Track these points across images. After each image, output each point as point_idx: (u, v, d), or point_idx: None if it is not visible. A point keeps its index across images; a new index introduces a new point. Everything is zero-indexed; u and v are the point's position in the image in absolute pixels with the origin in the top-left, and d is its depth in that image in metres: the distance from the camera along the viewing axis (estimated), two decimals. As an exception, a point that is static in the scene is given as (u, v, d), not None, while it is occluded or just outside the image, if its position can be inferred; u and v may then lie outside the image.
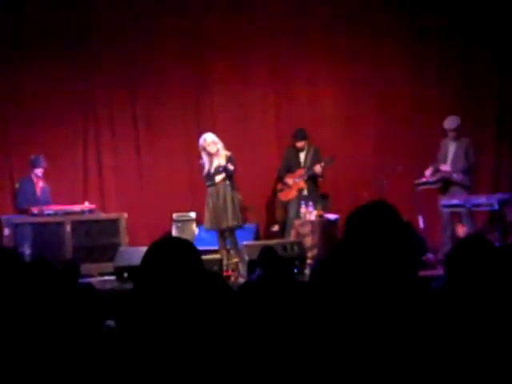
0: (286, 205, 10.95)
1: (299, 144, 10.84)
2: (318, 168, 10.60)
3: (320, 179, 10.82)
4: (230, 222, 9.47)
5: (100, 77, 11.54)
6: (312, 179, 10.77)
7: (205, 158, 9.53)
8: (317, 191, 10.86)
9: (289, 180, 10.85)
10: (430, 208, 10.03)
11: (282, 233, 10.97)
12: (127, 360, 2.54)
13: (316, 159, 10.72)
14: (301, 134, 10.85)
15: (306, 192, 10.76)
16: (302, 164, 10.82)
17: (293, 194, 10.81)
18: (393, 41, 11.76)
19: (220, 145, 9.51)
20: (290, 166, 10.91)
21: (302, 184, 10.77)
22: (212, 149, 9.44)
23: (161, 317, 2.55)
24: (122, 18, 11.55)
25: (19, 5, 11.21)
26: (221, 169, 9.44)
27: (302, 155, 10.87)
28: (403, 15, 11.80)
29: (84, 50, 11.44)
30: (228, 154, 9.54)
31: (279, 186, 11.09)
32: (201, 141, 9.56)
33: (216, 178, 9.49)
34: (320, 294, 2.67)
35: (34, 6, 11.24)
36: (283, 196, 10.99)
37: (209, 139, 9.49)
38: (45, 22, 11.22)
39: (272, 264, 6.09)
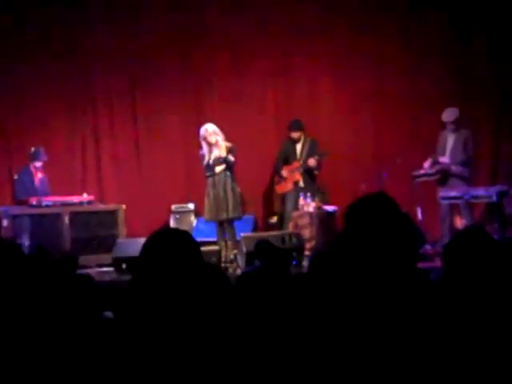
0: (283, 197, 10.96)
1: (294, 135, 10.81)
2: (311, 161, 10.57)
3: (315, 172, 10.78)
4: (231, 213, 9.47)
5: (99, 68, 11.52)
6: (307, 171, 10.75)
7: (205, 148, 9.53)
8: (313, 183, 10.82)
9: (284, 173, 10.84)
10: (429, 200, 10.03)
11: (280, 225, 10.97)
12: (125, 351, 2.54)
13: (312, 151, 10.69)
14: (296, 125, 10.83)
15: (302, 184, 10.74)
16: (298, 156, 10.80)
17: (288, 186, 10.79)
18: (392, 34, 11.74)
19: (220, 136, 9.51)
20: (287, 158, 10.89)
21: (297, 176, 10.74)
22: (212, 139, 9.43)
23: (159, 308, 2.55)
24: (120, 9, 11.52)
25: (19, 4, 11.18)
26: (221, 160, 9.44)
27: (299, 147, 10.85)
28: (402, 9, 11.77)
29: (83, 42, 11.41)
30: (229, 145, 9.55)
31: (276, 179, 11.09)
32: (202, 130, 9.56)
33: (216, 168, 9.49)
34: (318, 286, 2.67)
35: (33, 4, 11.22)
36: (279, 188, 10.99)
37: (210, 129, 9.49)
38: (45, 19, 11.21)
39: (269, 256, 6.10)
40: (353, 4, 11.72)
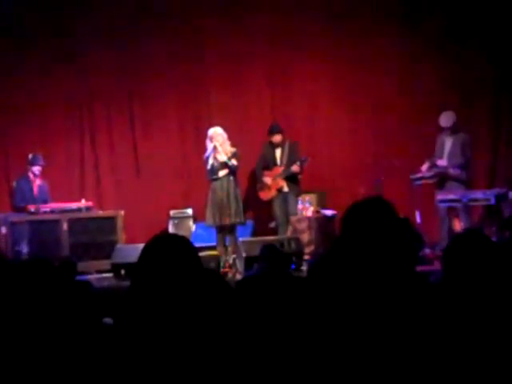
0: (270, 203, 10.85)
1: (275, 138, 10.67)
2: (295, 167, 10.41)
3: (299, 177, 10.65)
4: (233, 218, 9.49)
5: (97, 74, 11.51)
6: (290, 176, 10.61)
7: (209, 150, 9.55)
8: (297, 186, 10.69)
9: (267, 180, 10.71)
10: (427, 203, 10.03)
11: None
12: (125, 357, 2.54)
13: (293, 154, 10.59)
14: (277, 128, 10.72)
15: (286, 189, 10.64)
16: (279, 161, 10.69)
17: (272, 193, 10.67)
18: (389, 38, 11.74)
19: (227, 142, 9.58)
20: (267, 163, 10.79)
21: (280, 183, 10.63)
22: (218, 141, 9.49)
23: (158, 314, 2.55)
24: (120, 17, 11.53)
25: (19, 4, 11.19)
26: (224, 164, 9.47)
27: (278, 151, 10.73)
28: (400, 13, 11.78)
29: (81, 48, 11.41)
30: (233, 149, 9.60)
31: (258, 185, 10.95)
32: (210, 131, 9.62)
33: (219, 173, 9.52)
34: (318, 290, 2.67)
35: (33, 5, 11.23)
36: (263, 195, 10.82)
37: (218, 131, 9.60)
38: (44, 21, 11.22)
39: (273, 260, 6.09)
40: (351, 9, 11.72)
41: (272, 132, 10.70)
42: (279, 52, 11.80)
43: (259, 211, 11.57)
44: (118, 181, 11.60)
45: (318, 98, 11.94)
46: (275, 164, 10.66)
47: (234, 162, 9.51)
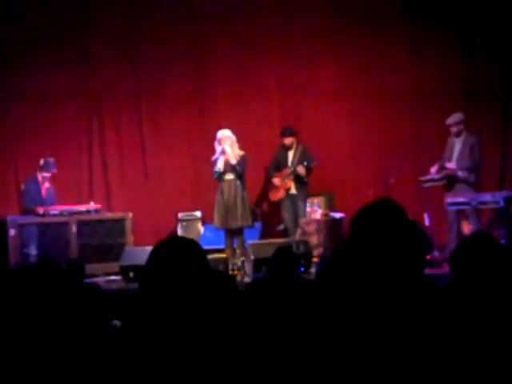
0: (279, 205, 10.89)
1: (287, 141, 10.76)
2: (300, 169, 10.49)
3: (305, 179, 10.67)
4: (240, 221, 9.51)
5: (104, 77, 11.54)
6: (298, 178, 10.66)
7: (218, 152, 9.58)
8: (305, 189, 10.72)
9: (276, 181, 10.77)
10: (437, 205, 10.02)
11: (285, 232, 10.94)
12: (133, 360, 2.54)
13: (303, 158, 10.63)
14: (288, 131, 10.80)
15: (294, 191, 10.68)
16: (290, 163, 10.74)
17: (280, 194, 10.72)
18: (395, 39, 11.74)
19: (235, 144, 9.61)
20: (279, 165, 10.85)
21: (288, 184, 10.68)
22: (226, 144, 9.53)
23: (167, 316, 2.55)
24: (123, 15, 11.55)
25: (19, 5, 11.21)
26: (231, 167, 9.50)
27: (291, 154, 10.80)
28: (404, 12, 11.77)
29: (87, 49, 11.46)
30: (241, 153, 9.63)
31: (269, 186, 11.03)
32: (219, 134, 9.67)
33: (226, 175, 9.55)
34: (326, 293, 2.67)
35: (34, 5, 11.24)
36: (272, 196, 10.92)
37: (227, 134, 9.66)
38: (46, 21, 11.23)
39: (286, 263, 6.08)
40: (356, 6, 11.72)
41: (283, 134, 10.77)
42: (288, 55, 11.80)
43: (267, 214, 11.59)
44: (127, 183, 11.62)
45: (327, 100, 11.92)
46: (286, 166, 10.71)
47: (241, 164, 9.56)
